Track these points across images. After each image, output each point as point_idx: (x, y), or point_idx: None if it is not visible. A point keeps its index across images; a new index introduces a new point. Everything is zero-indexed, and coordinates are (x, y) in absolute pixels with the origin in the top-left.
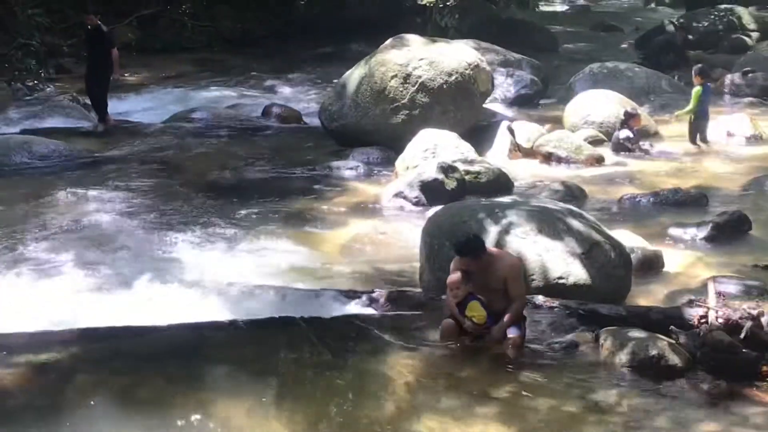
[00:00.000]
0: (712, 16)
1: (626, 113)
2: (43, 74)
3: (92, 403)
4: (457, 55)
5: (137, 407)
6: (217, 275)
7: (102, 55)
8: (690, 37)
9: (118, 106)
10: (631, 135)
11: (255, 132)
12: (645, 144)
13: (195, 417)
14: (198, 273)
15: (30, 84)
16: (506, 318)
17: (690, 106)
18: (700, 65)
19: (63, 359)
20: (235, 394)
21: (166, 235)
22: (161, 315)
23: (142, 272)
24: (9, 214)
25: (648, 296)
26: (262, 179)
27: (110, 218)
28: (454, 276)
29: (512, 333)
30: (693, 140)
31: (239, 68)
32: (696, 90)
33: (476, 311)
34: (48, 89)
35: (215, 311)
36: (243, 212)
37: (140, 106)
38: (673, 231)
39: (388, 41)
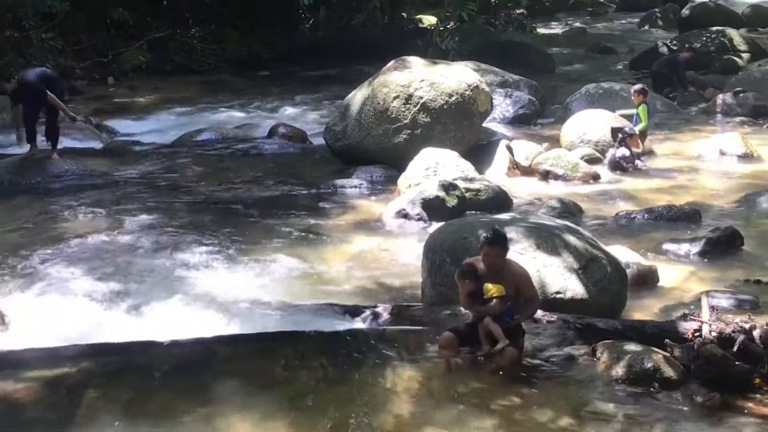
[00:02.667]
0: (704, 38)
1: (622, 132)
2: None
3: (102, 416)
4: (457, 76)
5: (145, 420)
6: (224, 291)
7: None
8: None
9: (129, 127)
10: (627, 153)
11: (261, 151)
12: (640, 162)
13: (202, 430)
14: (206, 289)
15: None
16: (524, 311)
17: (644, 123)
18: (639, 85)
19: (73, 374)
20: (241, 407)
21: (175, 252)
22: (169, 330)
23: (152, 289)
24: (22, 232)
25: (643, 310)
26: (268, 197)
27: (120, 236)
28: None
29: (511, 347)
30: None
31: (246, 90)
32: (642, 108)
33: (492, 288)
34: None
35: (222, 326)
36: (249, 229)
37: (150, 127)
38: (668, 246)
39: (390, 63)
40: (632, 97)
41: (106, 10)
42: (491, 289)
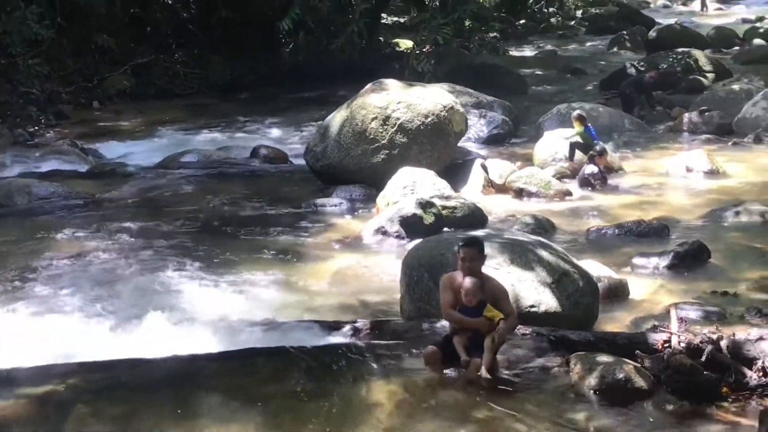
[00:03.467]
0: (671, 59)
1: (593, 150)
2: (43, 120)
3: (90, 430)
4: (433, 97)
5: None
6: (208, 309)
7: None
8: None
9: (114, 150)
10: (596, 171)
11: (244, 172)
12: (609, 179)
13: None
14: (190, 307)
15: (31, 130)
16: (504, 325)
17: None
18: (577, 112)
19: (61, 391)
20: (226, 421)
21: (159, 271)
22: (156, 347)
23: (137, 307)
24: (10, 254)
25: (614, 322)
26: (251, 217)
27: (106, 256)
28: (471, 283)
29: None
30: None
31: (229, 112)
32: (582, 133)
33: (493, 311)
34: (48, 134)
35: (207, 343)
36: (232, 248)
37: (135, 150)
38: (637, 260)
39: (368, 86)
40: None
41: (91, 36)
42: (492, 311)
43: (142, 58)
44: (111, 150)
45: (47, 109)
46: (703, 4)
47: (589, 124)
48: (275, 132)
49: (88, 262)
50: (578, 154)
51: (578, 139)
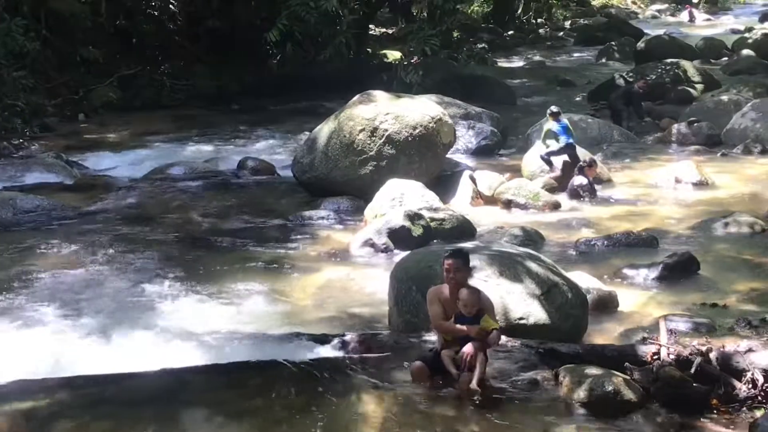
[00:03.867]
0: (659, 70)
1: (582, 161)
2: (28, 133)
3: None
4: (421, 109)
5: None
6: (195, 322)
7: None
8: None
9: (100, 163)
10: (585, 182)
11: (230, 184)
12: (598, 190)
13: None
14: (177, 320)
15: (16, 142)
16: (493, 335)
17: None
18: (552, 108)
19: (46, 406)
20: None
21: (146, 285)
22: (141, 362)
23: (123, 321)
24: None
25: (603, 334)
26: (237, 229)
27: (92, 270)
28: (470, 293)
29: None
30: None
31: (215, 124)
32: (548, 127)
33: (490, 321)
34: (33, 147)
35: (193, 357)
36: (219, 261)
37: (121, 162)
38: (626, 272)
39: (355, 97)
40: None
41: (77, 48)
42: (488, 321)
43: (129, 70)
44: (97, 162)
45: (32, 121)
46: (691, 16)
47: (565, 122)
48: (262, 144)
49: (73, 275)
50: (556, 161)
51: (550, 148)
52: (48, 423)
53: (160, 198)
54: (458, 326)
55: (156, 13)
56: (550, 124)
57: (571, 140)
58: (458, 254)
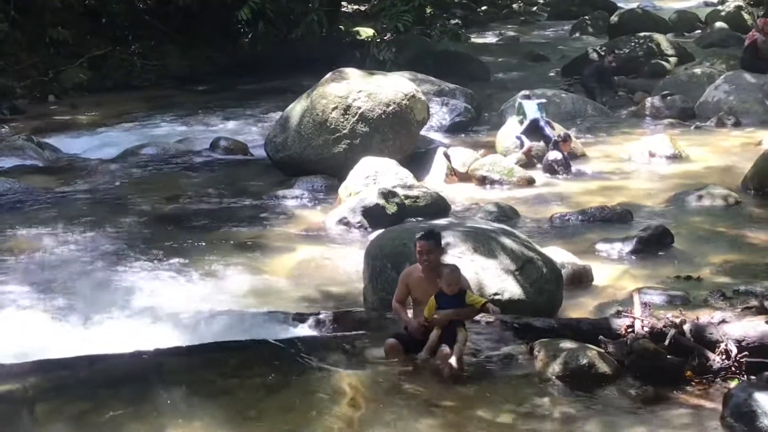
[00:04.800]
0: (633, 44)
1: (557, 136)
2: None
3: (51, 430)
4: (394, 86)
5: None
6: (169, 303)
7: None
8: (614, 64)
9: (71, 145)
10: (560, 157)
11: (203, 164)
12: (573, 165)
13: None
14: (151, 301)
15: None
16: (453, 310)
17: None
18: (522, 93)
19: (21, 389)
20: (189, 416)
21: (120, 265)
22: (117, 343)
23: (97, 302)
24: None
25: (578, 309)
26: (211, 209)
27: (65, 251)
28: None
29: (452, 349)
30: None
31: (187, 104)
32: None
33: (474, 296)
34: (2, 130)
35: (169, 337)
36: (193, 241)
37: (92, 144)
38: (601, 246)
39: (328, 75)
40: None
41: (46, 29)
42: (474, 297)
43: (98, 51)
44: (68, 144)
45: (1, 104)
46: None
47: (537, 102)
48: (235, 123)
49: (46, 257)
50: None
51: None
52: (21, 407)
53: (133, 179)
54: (403, 317)
55: None
56: (522, 105)
57: (534, 117)
58: (430, 235)
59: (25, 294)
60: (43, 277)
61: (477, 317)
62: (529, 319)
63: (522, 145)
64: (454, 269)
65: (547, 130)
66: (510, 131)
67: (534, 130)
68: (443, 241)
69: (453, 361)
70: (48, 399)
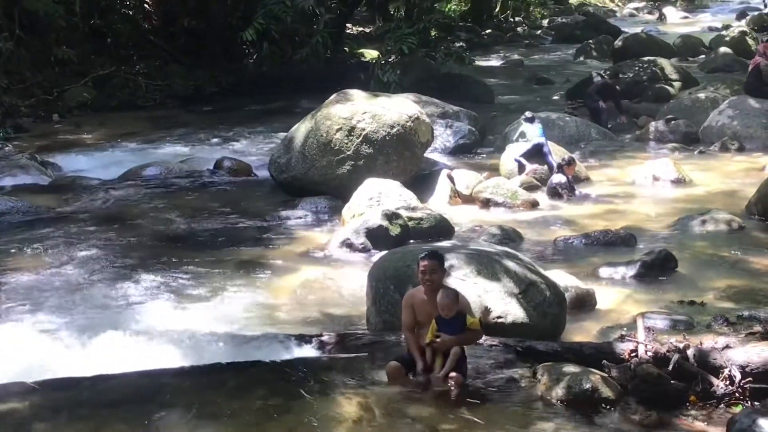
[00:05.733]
0: (637, 68)
1: (562, 159)
2: (1, 134)
3: None
4: (398, 108)
5: None
6: (172, 323)
7: None
8: (614, 81)
9: (74, 163)
10: (564, 180)
11: (207, 185)
12: (576, 189)
13: None
14: (154, 322)
15: None
16: (456, 337)
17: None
18: (525, 114)
19: (21, 409)
20: None
21: (122, 286)
22: (119, 363)
23: (100, 322)
24: None
25: (582, 332)
26: (214, 229)
27: (67, 271)
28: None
29: (454, 372)
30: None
31: (192, 124)
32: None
33: (474, 320)
34: (6, 148)
35: (171, 358)
36: (196, 261)
37: (96, 163)
38: (604, 270)
39: (332, 96)
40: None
41: (51, 48)
42: (472, 320)
43: (103, 70)
44: (72, 163)
45: (6, 122)
46: (661, 14)
47: (539, 126)
48: (239, 144)
49: (48, 277)
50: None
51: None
52: (23, 426)
53: (136, 199)
54: (412, 350)
55: (131, 13)
56: (524, 127)
57: (538, 141)
58: (433, 256)
59: (27, 313)
60: (45, 296)
61: (480, 340)
62: (532, 343)
63: (521, 167)
64: (449, 294)
65: (550, 157)
66: (513, 154)
67: (536, 153)
68: (446, 264)
69: (441, 372)
70: (50, 418)
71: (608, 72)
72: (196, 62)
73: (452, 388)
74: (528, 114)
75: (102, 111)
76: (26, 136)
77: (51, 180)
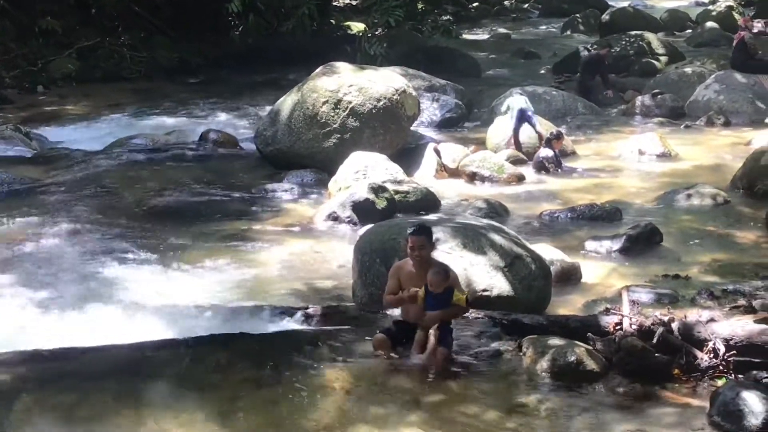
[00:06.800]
0: (624, 42)
1: (549, 134)
2: None
3: (36, 421)
4: (385, 81)
5: (79, 424)
6: (156, 295)
7: None
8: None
9: (59, 135)
10: (551, 154)
11: (192, 157)
12: (564, 163)
13: None
14: (139, 294)
15: None
16: (441, 312)
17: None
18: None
19: (7, 380)
20: (175, 409)
21: (107, 257)
22: (104, 335)
23: (85, 294)
24: None
25: (567, 306)
26: (200, 202)
27: (52, 243)
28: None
29: (440, 346)
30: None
31: (177, 96)
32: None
33: (460, 296)
34: None
35: (156, 330)
36: (181, 234)
37: (81, 135)
38: (590, 244)
39: (319, 69)
40: None
41: (35, 19)
42: (459, 296)
43: (88, 41)
44: (56, 135)
45: None
46: None
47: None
48: (224, 116)
49: (33, 248)
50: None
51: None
52: (7, 398)
53: (121, 170)
54: (399, 297)
55: None
56: (509, 101)
57: (520, 107)
58: (422, 230)
59: (11, 285)
60: (29, 268)
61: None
62: (517, 316)
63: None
64: (439, 271)
65: (535, 120)
66: (501, 127)
67: (521, 120)
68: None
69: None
70: (33, 390)
71: (594, 47)
72: (181, 34)
73: (437, 360)
74: (516, 90)
75: (87, 82)
76: (11, 107)
77: (35, 152)
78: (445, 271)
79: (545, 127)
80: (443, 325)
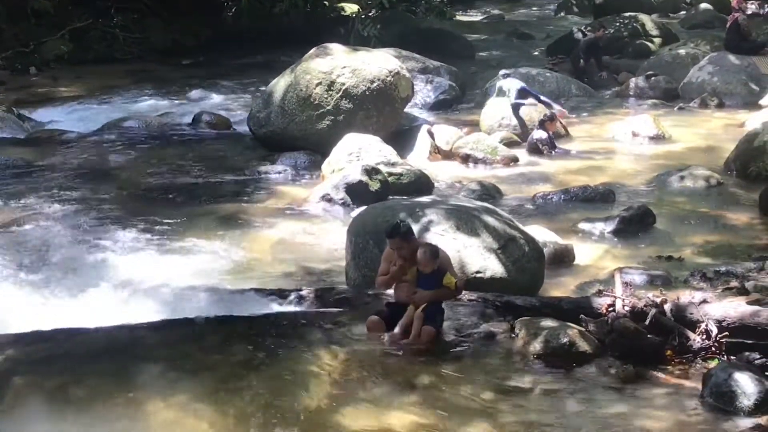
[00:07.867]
0: (618, 24)
1: (543, 115)
2: None
3: (28, 402)
4: (378, 62)
5: (71, 405)
6: (150, 277)
7: None
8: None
9: (52, 117)
10: (545, 136)
11: (185, 139)
12: (558, 145)
13: (127, 414)
14: (131, 275)
15: None
16: (431, 292)
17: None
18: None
19: None
20: (167, 391)
21: (100, 239)
22: (96, 317)
23: (77, 276)
24: None
25: (560, 287)
26: (193, 184)
27: (44, 224)
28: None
29: (429, 326)
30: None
31: (170, 78)
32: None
33: (450, 278)
34: None
35: (149, 312)
36: (174, 216)
37: (73, 116)
38: (583, 226)
39: (312, 50)
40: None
41: (27, 0)
42: (449, 278)
43: (80, 22)
44: (49, 116)
45: None
46: None
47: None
48: (217, 98)
49: (25, 230)
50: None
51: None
52: (0, 379)
53: (114, 152)
54: (391, 275)
55: None
56: (502, 83)
57: (520, 86)
58: (394, 233)
59: (3, 266)
60: (22, 250)
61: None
62: (510, 297)
63: (549, 106)
64: (425, 252)
65: (538, 93)
66: (494, 109)
67: (524, 96)
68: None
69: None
70: (27, 372)
71: (588, 28)
72: (174, 15)
73: (427, 340)
74: (504, 71)
75: (79, 64)
76: (3, 89)
77: (28, 133)
78: (432, 250)
79: (539, 109)
80: (432, 305)
